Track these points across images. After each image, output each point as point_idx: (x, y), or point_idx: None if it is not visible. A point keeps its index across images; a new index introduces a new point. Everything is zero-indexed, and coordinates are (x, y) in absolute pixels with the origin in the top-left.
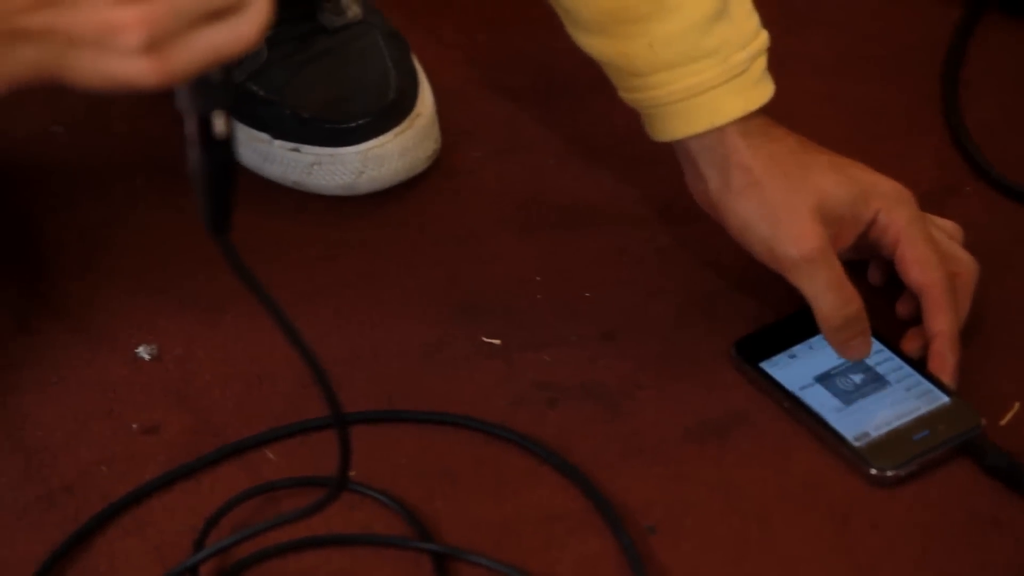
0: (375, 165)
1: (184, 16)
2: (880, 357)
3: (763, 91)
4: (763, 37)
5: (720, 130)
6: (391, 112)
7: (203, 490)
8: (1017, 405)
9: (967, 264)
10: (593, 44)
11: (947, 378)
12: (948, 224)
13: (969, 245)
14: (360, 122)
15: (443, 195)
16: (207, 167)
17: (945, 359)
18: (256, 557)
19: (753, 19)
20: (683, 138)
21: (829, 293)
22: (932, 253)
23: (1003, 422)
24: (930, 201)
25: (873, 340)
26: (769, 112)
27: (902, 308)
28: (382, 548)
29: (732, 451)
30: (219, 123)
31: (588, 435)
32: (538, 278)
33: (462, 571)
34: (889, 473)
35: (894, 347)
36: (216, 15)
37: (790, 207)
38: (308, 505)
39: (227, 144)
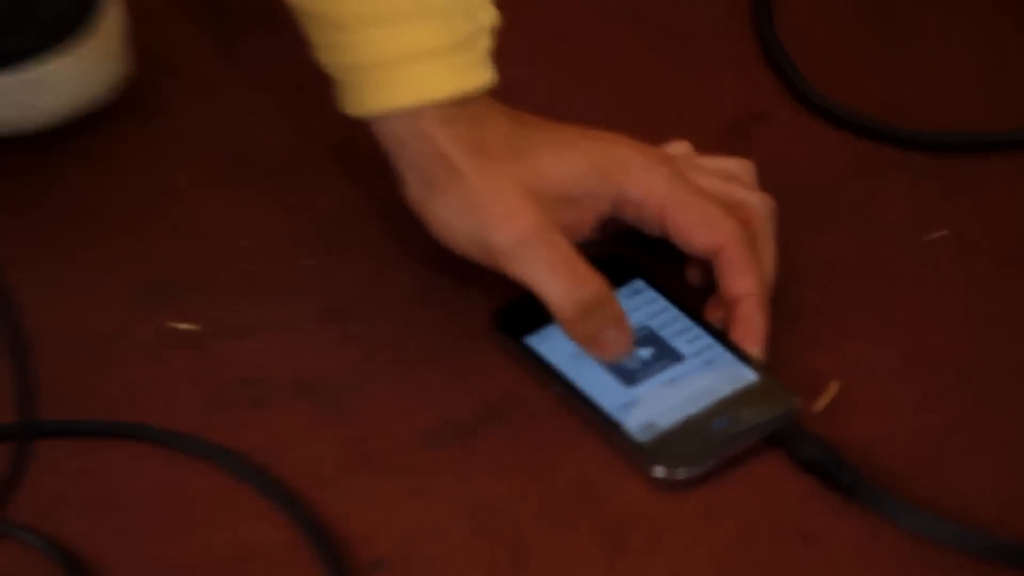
0: (43, 93)
1: None
2: (675, 326)
3: (482, 75)
4: (492, 14)
5: (417, 120)
6: (61, 28)
7: None
8: (835, 385)
9: (757, 207)
10: None
11: (755, 348)
12: (733, 163)
13: (782, 184)
14: (22, 42)
15: (132, 141)
16: None
17: (752, 324)
18: None
19: None
20: (380, 116)
21: (553, 276)
22: (711, 207)
23: (817, 408)
24: (737, 132)
25: (668, 304)
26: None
27: (693, 275)
28: None
29: (483, 457)
30: None
31: (302, 444)
32: (245, 243)
33: None
34: (681, 475)
35: (692, 312)
36: None
37: (494, 191)
38: None
39: None
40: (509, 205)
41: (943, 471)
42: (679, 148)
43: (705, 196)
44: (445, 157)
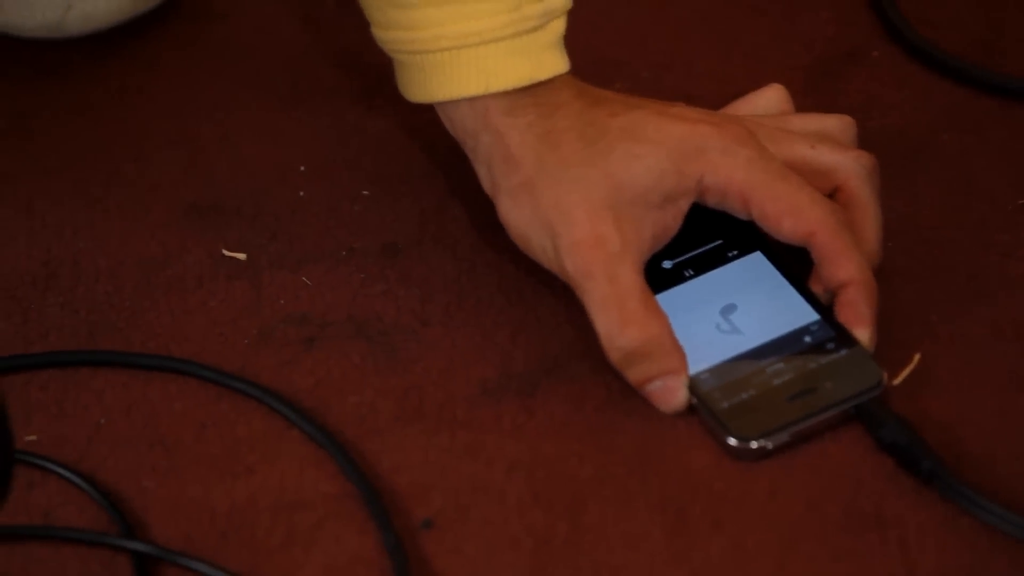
0: None
1: None
2: (768, 285)
3: (555, 62)
4: None
5: (483, 108)
6: None
7: None
8: (918, 357)
9: (851, 171)
10: None
11: (862, 333)
12: (831, 121)
13: (870, 131)
14: None
15: (182, 47)
16: None
17: (858, 310)
18: None
19: None
20: (445, 103)
21: (602, 315)
22: (797, 192)
23: (898, 380)
24: (826, 69)
25: (765, 261)
26: None
27: (818, 286)
28: (67, 544)
29: (542, 415)
30: None
31: (354, 389)
32: (303, 167)
33: None
34: (753, 444)
35: (792, 274)
36: None
37: (565, 210)
38: None
39: None
40: (577, 231)
41: None
42: (773, 95)
43: (790, 179)
44: (514, 161)
